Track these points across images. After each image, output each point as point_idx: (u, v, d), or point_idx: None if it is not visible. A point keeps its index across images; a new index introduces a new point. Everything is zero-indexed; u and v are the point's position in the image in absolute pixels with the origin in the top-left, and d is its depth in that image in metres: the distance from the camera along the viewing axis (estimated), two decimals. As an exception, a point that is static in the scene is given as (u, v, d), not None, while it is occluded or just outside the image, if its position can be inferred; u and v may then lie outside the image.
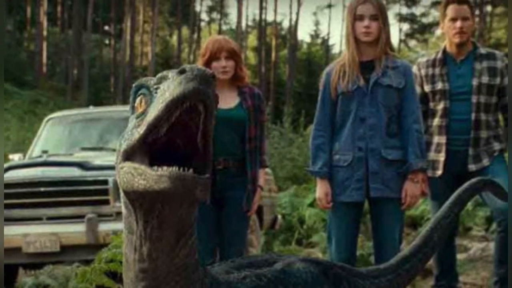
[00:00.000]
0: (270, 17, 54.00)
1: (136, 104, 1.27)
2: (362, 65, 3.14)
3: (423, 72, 3.70)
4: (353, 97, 3.13)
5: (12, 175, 4.87)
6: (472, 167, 3.57)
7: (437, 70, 3.65)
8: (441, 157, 3.62)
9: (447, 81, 3.61)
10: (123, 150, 1.23)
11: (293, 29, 40.04)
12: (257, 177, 3.38)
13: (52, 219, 4.82)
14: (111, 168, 4.38)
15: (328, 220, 3.31)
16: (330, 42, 54.30)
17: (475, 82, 3.57)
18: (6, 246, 4.55)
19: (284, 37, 44.22)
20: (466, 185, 2.07)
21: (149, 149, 1.22)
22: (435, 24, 39.36)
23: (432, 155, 3.63)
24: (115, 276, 3.38)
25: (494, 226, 4.32)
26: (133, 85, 1.30)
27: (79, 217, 4.75)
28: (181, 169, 1.14)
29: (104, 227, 4.68)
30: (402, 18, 44.82)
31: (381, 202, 3.14)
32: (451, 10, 3.59)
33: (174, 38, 43.98)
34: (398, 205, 3.12)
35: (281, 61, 41.05)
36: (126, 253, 1.30)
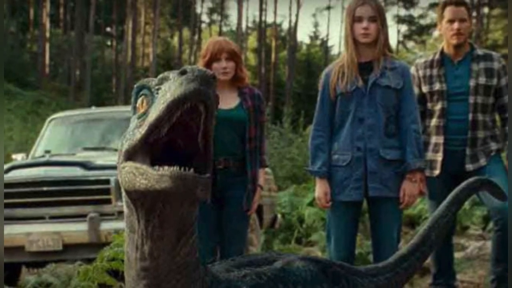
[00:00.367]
0: (270, 19, 54.09)
1: (137, 105, 1.28)
2: (360, 66, 3.16)
3: (421, 73, 3.71)
4: (352, 97, 3.14)
5: (15, 175, 4.89)
6: (469, 166, 3.59)
7: (434, 71, 3.66)
8: (439, 157, 3.63)
9: (444, 82, 3.63)
10: (125, 150, 1.24)
11: (292, 31, 40.00)
12: (257, 177, 3.39)
13: (54, 218, 4.83)
14: (113, 167, 4.39)
15: (327, 219, 3.32)
16: (329, 44, 54.49)
17: (472, 83, 3.59)
18: (9, 245, 4.59)
19: (283, 38, 44.16)
20: (463, 184, 2.09)
21: (150, 149, 1.22)
22: (433, 25, 39.33)
23: (430, 155, 3.64)
24: (117, 275, 3.40)
25: (491, 225, 4.33)
26: (135, 86, 1.31)
27: (81, 216, 4.76)
28: (182, 168, 1.14)
29: (106, 226, 4.69)
30: (400, 20, 44.84)
31: (379, 202, 3.15)
32: (448, 12, 3.61)
33: (175, 39, 43.91)
34: (396, 204, 3.13)
35: (280, 62, 41.01)
36: (128, 252, 1.31)
